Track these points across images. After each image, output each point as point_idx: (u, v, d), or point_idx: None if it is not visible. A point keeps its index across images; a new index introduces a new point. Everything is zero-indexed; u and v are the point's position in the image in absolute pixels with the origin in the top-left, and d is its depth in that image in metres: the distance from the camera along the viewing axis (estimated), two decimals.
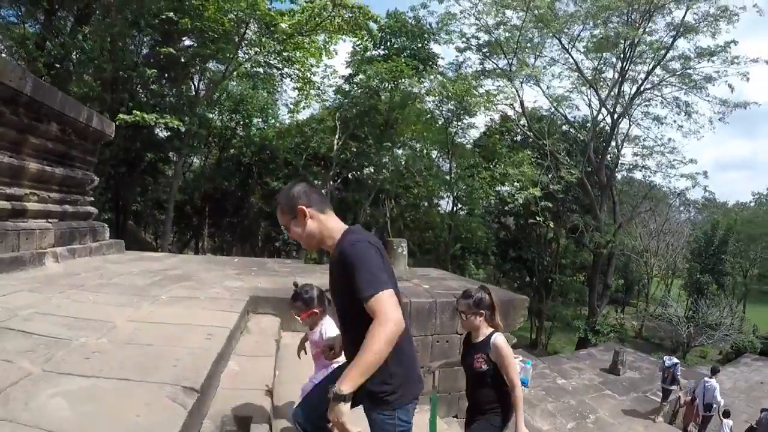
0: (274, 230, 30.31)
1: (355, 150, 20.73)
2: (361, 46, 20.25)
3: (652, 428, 7.75)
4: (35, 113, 5.49)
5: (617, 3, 18.18)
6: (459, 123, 22.92)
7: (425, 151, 23.77)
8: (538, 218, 19.55)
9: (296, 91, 21.94)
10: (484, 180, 20.11)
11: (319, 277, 6.75)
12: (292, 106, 25.20)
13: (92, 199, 7.82)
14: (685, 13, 18.23)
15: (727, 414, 9.96)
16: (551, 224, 22.76)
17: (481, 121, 24.17)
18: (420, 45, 22.39)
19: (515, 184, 19.94)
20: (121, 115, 13.64)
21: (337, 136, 20.13)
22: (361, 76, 20.84)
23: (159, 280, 5.34)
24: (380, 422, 2.09)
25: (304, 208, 2.07)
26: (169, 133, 19.91)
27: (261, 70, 20.95)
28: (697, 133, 22.01)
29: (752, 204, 47.78)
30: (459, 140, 23.95)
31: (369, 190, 22.05)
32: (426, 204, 24.09)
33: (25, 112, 5.32)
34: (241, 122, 26.49)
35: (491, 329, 3.23)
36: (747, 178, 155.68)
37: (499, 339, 3.17)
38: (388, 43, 22.34)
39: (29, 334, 3.00)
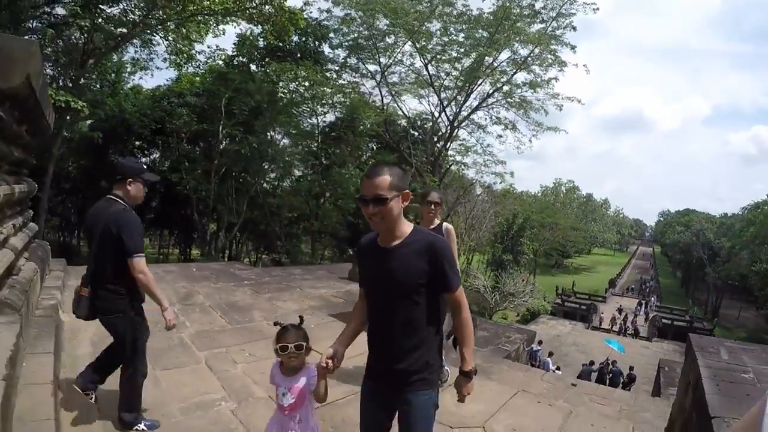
0: None
1: (248, 145, 20.69)
2: (257, 34, 20.15)
3: (514, 366, 10.40)
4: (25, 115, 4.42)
5: (482, 47, 21.54)
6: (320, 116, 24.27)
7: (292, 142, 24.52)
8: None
9: (166, 61, 20.95)
10: (352, 177, 21.86)
11: (297, 295, 8.10)
12: (129, 67, 23.57)
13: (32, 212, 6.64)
14: (529, 54, 22.19)
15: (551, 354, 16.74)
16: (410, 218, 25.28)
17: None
18: (316, 44, 23.01)
19: None
20: None
21: (221, 125, 19.95)
22: (254, 67, 20.84)
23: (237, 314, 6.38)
24: (424, 402, 2.19)
25: (409, 193, 2.15)
26: None
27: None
28: (518, 149, 26.48)
29: (539, 194, 58.60)
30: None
31: (252, 184, 22.31)
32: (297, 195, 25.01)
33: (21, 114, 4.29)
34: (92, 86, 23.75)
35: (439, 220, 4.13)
36: (532, 168, 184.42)
37: (450, 225, 4.06)
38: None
39: None
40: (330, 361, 2.13)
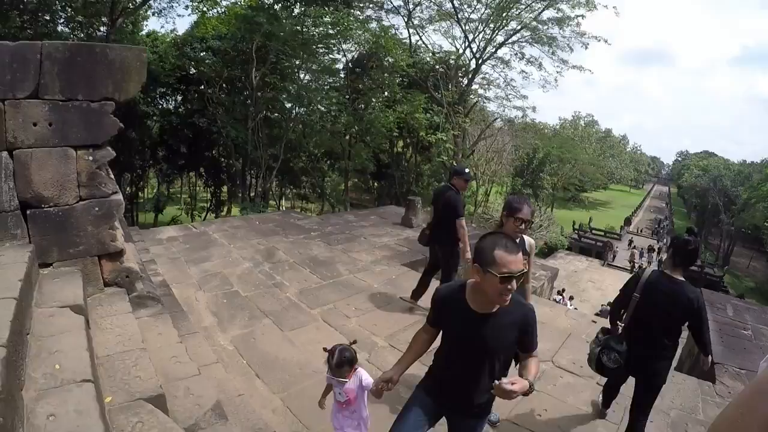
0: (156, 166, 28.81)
1: (285, 91, 20.45)
2: None
3: (540, 302, 11.06)
4: None
5: None
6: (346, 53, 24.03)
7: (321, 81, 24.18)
8: (443, 157, 22.41)
9: (188, 8, 20.40)
10: (387, 117, 21.85)
11: (366, 246, 8.51)
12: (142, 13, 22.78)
13: None
14: None
15: (571, 298, 18.40)
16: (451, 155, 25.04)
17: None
18: None
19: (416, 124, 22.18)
20: None
21: (254, 69, 19.75)
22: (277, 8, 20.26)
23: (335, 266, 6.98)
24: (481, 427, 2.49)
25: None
26: None
27: None
28: (543, 87, 26.08)
29: (558, 127, 57.73)
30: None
31: (287, 124, 22.32)
32: (329, 135, 25.12)
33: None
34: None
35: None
36: (550, 98, 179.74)
37: (532, 240, 3.64)
38: None
39: None
40: (383, 385, 2.38)
